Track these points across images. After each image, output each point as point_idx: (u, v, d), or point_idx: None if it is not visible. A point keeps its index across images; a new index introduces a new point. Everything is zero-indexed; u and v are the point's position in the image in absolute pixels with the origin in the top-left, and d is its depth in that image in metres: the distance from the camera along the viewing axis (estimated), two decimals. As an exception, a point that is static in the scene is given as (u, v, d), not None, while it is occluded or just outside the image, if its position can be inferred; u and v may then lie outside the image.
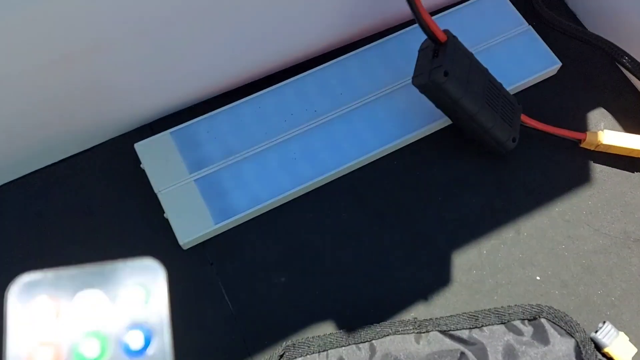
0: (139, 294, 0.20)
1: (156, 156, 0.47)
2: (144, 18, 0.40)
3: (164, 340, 0.19)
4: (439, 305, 0.45)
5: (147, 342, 0.19)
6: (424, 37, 0.45)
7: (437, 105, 0.45)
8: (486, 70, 0.47)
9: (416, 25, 0.43)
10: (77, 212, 0.47)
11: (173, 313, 0.41)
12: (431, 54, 0.44)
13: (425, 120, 0.50)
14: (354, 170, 0.49)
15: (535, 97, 0.52)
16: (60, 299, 0.19)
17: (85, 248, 0.46)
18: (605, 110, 0.52)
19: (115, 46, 0.41)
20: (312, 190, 0.48)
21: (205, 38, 0.45)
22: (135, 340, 0.19)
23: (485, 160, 0.50)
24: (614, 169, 0.50)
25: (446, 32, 0.44)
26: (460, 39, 0.46)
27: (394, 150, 0.50)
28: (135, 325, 0.19)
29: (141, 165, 0.47)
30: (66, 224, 0.47)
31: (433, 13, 0.54)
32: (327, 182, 0.49)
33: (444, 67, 0.42)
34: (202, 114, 0.50)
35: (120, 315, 0.19)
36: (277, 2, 0.45)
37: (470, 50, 0.52)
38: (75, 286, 0.19)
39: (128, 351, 0.19)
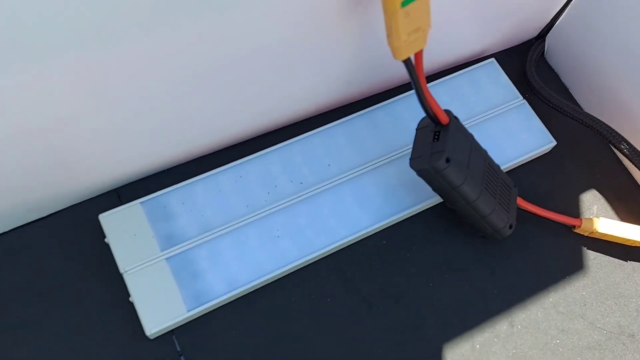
0: None
1: (123, 229, 0.42)
2: (110, 88, 0.36)
3: None
4: (430, 407, 0.41)
5: None
6: (415, 106, 0.41)
7: (434, 189, 0.43)
8: (485, 152, 0.44)
9: (407, 93, 0.40)
10: (27, 291, 0.41)
11: None
12: (431, 136, 0.41)
13: (416, 197, 0.47)
14: (340, 250, 0.46)
15: (527, 175, 0.50)
16: None
17: (37, 334, 0.40)
18: (598, 193, 0.51)
19: (81, 118, 0.36)
20: (295, 271, 0.44)
21: (181, 97, 0.41)
22: None
23: (478, 243, 0.47)
24: (607, 256, 0.48)
25: (448, 112, 0.42)
26: (454, 110, 0.44)
27: (383, 228, 0.47)
28: None
29: (106, 239, 0.42)
30: (14, 305, 0.41)
31: (426, 79, 0.52)
32: (311, 262, 0.45)
33: (446, 153, 0.40)
34: (177, 181, 0.45)
35: None
36: (259, 62, 0.41)
37: (465, 123, 0.50)
38: None
39: None
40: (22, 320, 0.41)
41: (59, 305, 0.41)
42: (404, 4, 0.32)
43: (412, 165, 0.41)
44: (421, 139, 0.42)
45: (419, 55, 0.36)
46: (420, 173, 0.41)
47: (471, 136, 0.43)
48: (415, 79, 0.37)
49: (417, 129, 0.43)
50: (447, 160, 0.40)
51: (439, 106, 0.40)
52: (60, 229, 0.44)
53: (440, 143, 0.40)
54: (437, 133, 0.41)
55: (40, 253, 0.43)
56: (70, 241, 0.43)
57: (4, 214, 0.41)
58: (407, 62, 0.36)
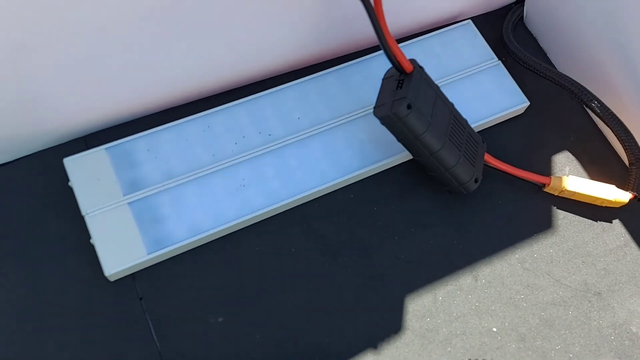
0: None
1: (87, 174, 0.43)
2: (77, 19, 0.36)
3: None
4: (389, 356, 0.41)
5: None
6: (389, 65, 0.42)
7: (398, 139, 0.42)
8: (452, 105, 0.44)
9: (381, 51, 0.40)
10: (-9, 232, 0.42)
11: (95, 349, 0.35)
12: (395, 84, 0.41)
13: (385, 152, 0.47)
14: (307, 202, 0.46)
15: (500, 135, 0.50)
16: None
17: (-3, 273, 0.41)
18: (571, 155, 0.50)
19: (44, 48, 0.37)
20: (259, 222, 0.44)
21: (150, 45, 0.41)
22: None
23: (446, 199, 0.47)
24: (576, 216, 0.48)
25: (412, 61, 0.42)
26: (426, 69, 0.43)
27: (351, 182, 0.47)
28: None
29: (69, 183, 0.43)
30: (-23, 245, 0.41)
31: (399, 40, 0.52)
32: (277, 213, 0.45)
33: (408, 100, 0.39)
34: (143, 130, 0.45)
35: None
36: (230, 12, 0.41)
37: (437, 82, 0.49)
38: None
39: None
40: (-15, 260, 0.41)
41: (21, 246, 0.41)
42: None
43: (375, 113, 0.41)
44: (386, 88, 0.42)
45: (377, 1, 0.36)
46: (383, 121, 0.41)
47: (437, 87, 0.43)
48: (375, 21, 0.37)
49: (383, 79, 0.43)
50: (409, 107, 0.39)
51: (402, 54, 0.40)
52: (27, 173, 0.44)
53: (403, 90, 0.40)
54: (401, 81, 0.41)
55: (5, 195, 0.43)
56: (36, 185, 0.44)
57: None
58: (364, 1, 0.36)
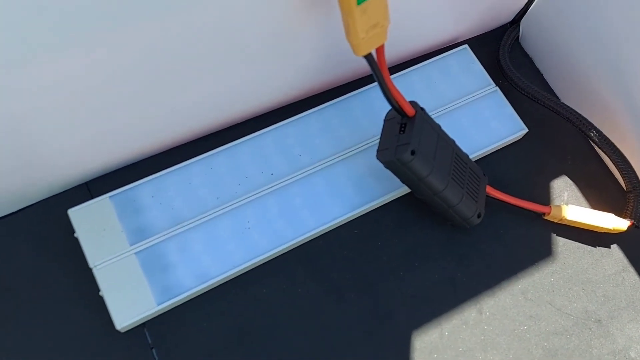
0: None
1: (93, 224, 0.43)
2: (71, 85, 0.35)
3: None
4: (398, 394, 0.42)
5: None
6: None
7: (402, 181, 0.43)
8: (453, 142, 0.44)
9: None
10: (-2, 287, 0.42)
11: None
12: (397, 128, 0.41)
13: (387, 187, 0.47)
14: (311, 240, 0.46)
15: (498, 162, 0.50)
16: None
17: (7, 329, 0.41)
18: (569, 179, 0.51)
19: (44, 113, 0.36)
20: (265, 262, 0.45)
21: (149, 92, 0.41)
22: None
23: (448, 231, 0.47)
24: (576, 242, 0.49)
25: (414, 104, 0.42)
26: (425, 98, 0.44)
27: (354, 218, 0.47)
28: None
29: (75, 234, 0.42)
30: (-15, 301, 0.41)
31: (396, 68, 0.52)
32: (282, 253, 0.45)
33: (412, 146, 0.40)
34: (147, 173, 0.45)
35: None
36: (226, 55, 0.41)
37: (435, 111, 0.50)
38: None
39: None
40: (-6, 315, 0.41)
41: (29, 301, 0.42)
42: (359, 2, 0.32)
43: (378, 157, 0.41)
44: (388, 130, 0.42)
45: (380, 50, 0.36)
46: (387, 165, 0.41)
47: (438, 127, 0.43)
48: (378, 73, 0.37)
49: (384, 120, 0.43)
50: (413, 153, 0.40)
51: (403, 99, 0.40)
52: (30, 224, 0.44)
53: (406, 135, 0.40)
54: (403, 125, 0.41)
55: (9, 248, 0.43)
56: (40, 236, 0.43)
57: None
58: (368, 57, 0.36)
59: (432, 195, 0.42)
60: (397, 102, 0.40)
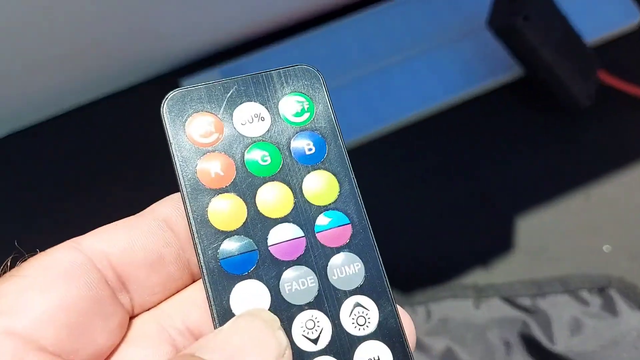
0: (300, 102, 0.19)
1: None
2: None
3: (337, 143, 0.19)
4: (499, 272, 0.42)
5: (321, 148, 0.19)
6: None
7: (512, 52, 0.42)
8: (566, 18, 0.42)
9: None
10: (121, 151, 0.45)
11: None
12: (510, -4, 0.40)
13: (494, 70, 0.46)
14: (415, 122, 0.46)
15: (615, 53, 0.48)
16: (218, 114, 0.19)
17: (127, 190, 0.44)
18: (690, 71, 0.48)
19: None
20: (369, 142, 0.45)
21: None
22: (308, 147, 0.19)
23: (557, 117, 0.46)
24: (697, 136, 0.46)
25: (528, -28, 0.40)
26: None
27: (460, 102, 0.46)
28: (303, 133, 0.19)
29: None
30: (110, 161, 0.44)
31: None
32: (384, 134, 0.45)
33: (525, 11, 0.38)
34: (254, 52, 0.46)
35: (284, 125, 0.19)
36: None
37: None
38: (231, 100, 0.19)
39: (302, 158, 0.19)
40: (117, 178, 0.44)
41: (157, 165, 0.44)
42: None
43: (489, 24, 0.40)
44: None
45: None
46: (497, 33, 0.40)
47: (551, 0, 0.42)
48: None
49: (496, -9, 0.42)
50: (526, 18, 0.38)
51: (519, -38, 0.39)
52: (147, 97, 0.46)
53: (519, 2, 0.39)
54: (516, -8, 0.40)
55: (130, 118, 0.45)
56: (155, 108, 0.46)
57: (95, 78, 0.44)
58: None
59: (543, 68, 0.41)
60: (511, -35, 0.38)
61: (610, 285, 0.39)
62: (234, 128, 0.18)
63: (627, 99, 0.46)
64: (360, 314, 0.18)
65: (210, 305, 0.17)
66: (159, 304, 0.19)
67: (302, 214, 0.18)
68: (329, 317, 0.18)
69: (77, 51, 0.41)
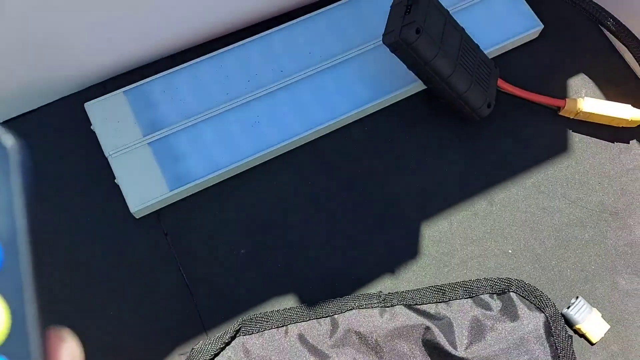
0: None
1: (108, 117, 0.44)
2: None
3: (17, 250, 0.14)
4: (406, 279, 0.42)
5: None
6: None
7: (409, 67, 0.43)
8: (462, 29, 0.44)
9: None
10: (21, 176, 0.44)
11: (124, 284, 0.38)
12: (404, 10, 0.41)
13: (397, 84, 0.47)
14: (322, 136, 0.46)
15: (513, 61, 0.49)
16: None
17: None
18: (587, 77, 0.50)
19: (63, 8, 0.37)
20: (276, 157, 0.46)
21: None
22: None
23: (459, 127, 0.47)
24: (593, 138, 0.48)
25: (420, -14, 0.41)
26: (438, -4, 0.43)
27: (365, 115, 0.47)
28: None
29: (91, 127, 0.44)
30: (9, 189, 0.43)
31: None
32: (292, 147, 0.46)
33: (417, 24, 0.39)
34: (158, 72, 0.46)
35: None
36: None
37: (448, 8, 0.49)
38: None
39: None
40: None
41: (50, 190, 0.43)
42: None
43: (384, 40, 0.41)
44: (394, 14, 0.42)
45: None
46: (392, 47, 0.41)
47: (447, 12, 0.43)
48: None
49: (392, 5, 0.43)
50: (418, 32, 0.39)
51: (409, -23, 0.40)
52: (50, 119, 0.45)
53: (412, 15, 0.40)
54: (409, 7, 0.41)
55: (31, 142, 0.45)
56: (60, 130, 0.45)
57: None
58: None
59: (440, 81, 0.42)
60: (401, -20, 0.39)
61: (511, 288, 0.41)
62: None
63: (526, 105, 0.47)
64: None
65: None
66: None
67: None
68: None
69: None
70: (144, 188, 0.42)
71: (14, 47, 0.39)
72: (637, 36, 0.46)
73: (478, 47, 0.45)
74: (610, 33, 0.46)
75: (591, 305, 0.41)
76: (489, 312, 0.40)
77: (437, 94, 0.44)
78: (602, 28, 0.50)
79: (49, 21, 0.39)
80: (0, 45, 0.39)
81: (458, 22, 0.44)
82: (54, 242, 0.42)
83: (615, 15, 0.46)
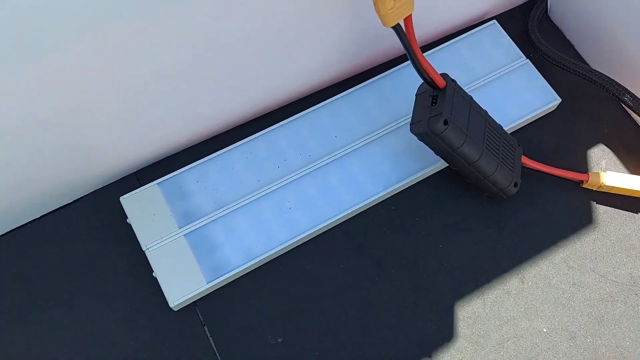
0: None
1: (143, 210, 0.45)
2: (116, 77, 0.38)
3: None
4: (444, 362, 0.43)
5: None
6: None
7: (436, 152, 0.44)
8: (486, 113, 0.45)
9: (409, 62, 0.41)
10: (59, 271, 0.44)
11: None
12: (429, 100, 0.42)
13: (422, 163, 0.48)
14: (350, 218, 0.47)
15: (534, 134, 0.51)
16: None
17: (70, 309, 0.43)
18: (606, 147, 0.51)
19: (92, 107, 0.39)
20: (307, 241, 0.46)
21: (191, 84, 0.43)
22: None
23: (485, 203, 0.48)
24: (617, 210, 0.48)
25: (444, 76, 0.43)
26: (456, 74, 0.44)
27: (392, 195, 0.48)
28: None
29: (127, 220, 0.45)
30: (48, 285, 0.44)
31: (426, 47, 0.53)
32: (323, 231, 0.47)
33: (444, 116, 0.41)
34: (191, 161, 0.47)
35: None
36: (258, 43, 0.43)
37: (468, 86, 0.50)
38: None
39: None
40: (56, 299, 0.44)
41: (89, 284, 0.44)
42: (385, -27, 0.33)
43: (412, 130, 0.42)
44: (420, 104, 0.43)
45: (408, 20, 0.37)
46: (420, 137, 0.42)
47: (470, 98, 0.44)
48: (407, 44, 0.38)
49: (416, 95, 0.44)
50: (445, 123, 0.41)
51: (434, 70, 0.41)
52: (86, 213, 0.46)
53: (438, 106, 0.41)
54: (434, 97, 0.42)
55: (68, 236, 0.46)
56: (95, 223, 0.46)
57: (34, 202, 0.44)
58: (396, 28, 0.37)
59: (467, 165, 0.43)
60: (427, 73, 0.41)
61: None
62: None
63: (550, 180, 0.48)
64: None
65: None
66: None
67: None
68: None
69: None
70: (181, 282, 0.43)
71: (50, 150, 0.41)
72: (655, 111, 0.47)
73: (501, 127, 0.46)
74: (628, 108, 0.48)
75: (629, 383, 0.41)
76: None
77: (464, 176, 0.45)
78: (619, 101, 0.51)
79: (83, 126, 0.41)
80: (42, 148, 0.40)
81: (479, 101, 0.46)
82: (96, 336, 0.43)
83: (630, 89, 0.48)
